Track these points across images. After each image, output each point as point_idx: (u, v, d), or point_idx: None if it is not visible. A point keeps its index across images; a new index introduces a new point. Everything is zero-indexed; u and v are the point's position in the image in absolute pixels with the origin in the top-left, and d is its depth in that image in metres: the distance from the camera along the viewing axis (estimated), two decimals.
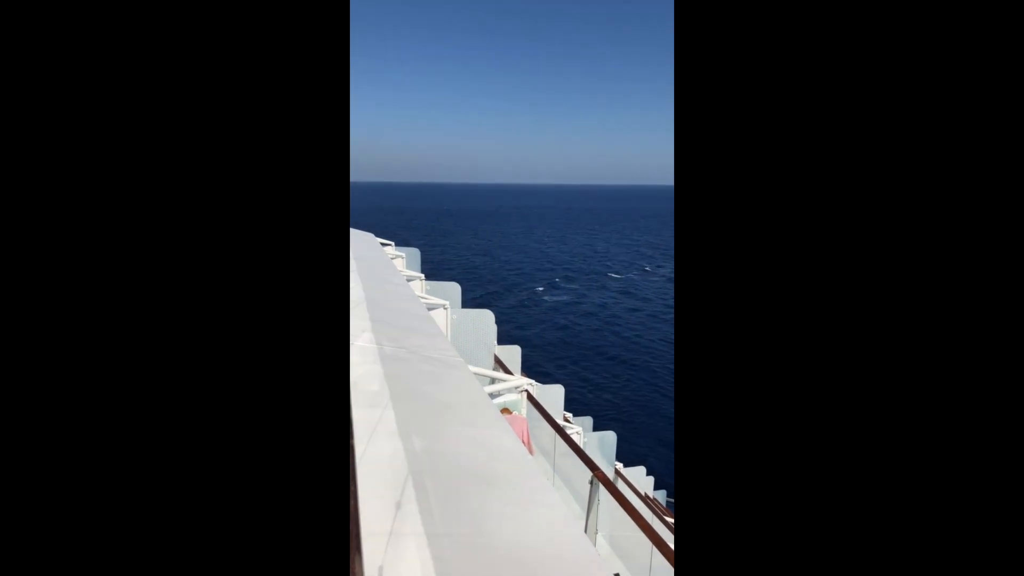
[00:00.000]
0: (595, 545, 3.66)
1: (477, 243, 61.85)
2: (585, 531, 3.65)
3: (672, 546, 3.08)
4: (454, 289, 7.03)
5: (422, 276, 7.38)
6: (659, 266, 47.83)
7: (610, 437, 6.35)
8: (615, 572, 3.66)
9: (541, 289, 37.38)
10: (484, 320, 6.22)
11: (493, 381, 4.91)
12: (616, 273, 44.50)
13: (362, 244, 6.42)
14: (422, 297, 5.77)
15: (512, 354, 7.09)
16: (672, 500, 10.61)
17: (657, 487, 9.58)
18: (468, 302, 7.94)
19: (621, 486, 6.38)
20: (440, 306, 5.88)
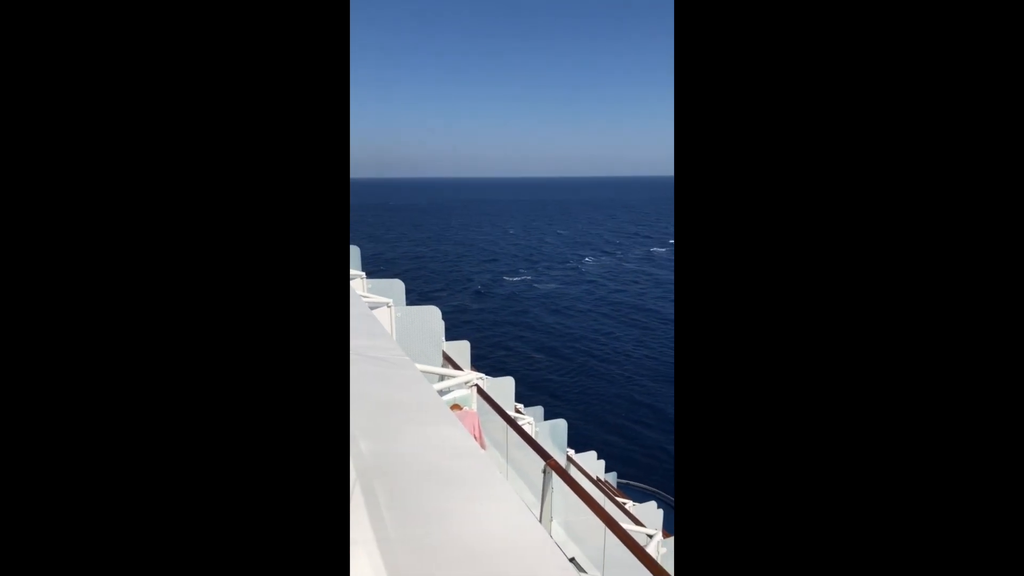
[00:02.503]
0: (551, 532, 3.72)
1: (423, 238, 60.96)
2: (540, 519, 3.70)
3: (623, 525, 3.17)
4: (398, 286, 6.87)
5: (363, 274, 7.16)
6: (606, 253, 49.20)
7: (561, 425, 6.46)
8: (571, 557, 3.74)
9: (486, 284, 37.43)
10: (430, 316, 6.12)
11: (442, 378, 4.86)
12: (567, 261, 45.39)
13: None
14: (363, 296, 5.60)
15: (461, 349, 7.03)
16: (622, 481, 10.98)
17: (608, 470, 9.87)
18: (415, 299, 7.79)
19: (573, 472, 6.51)
20: (383, 304, 5.73)
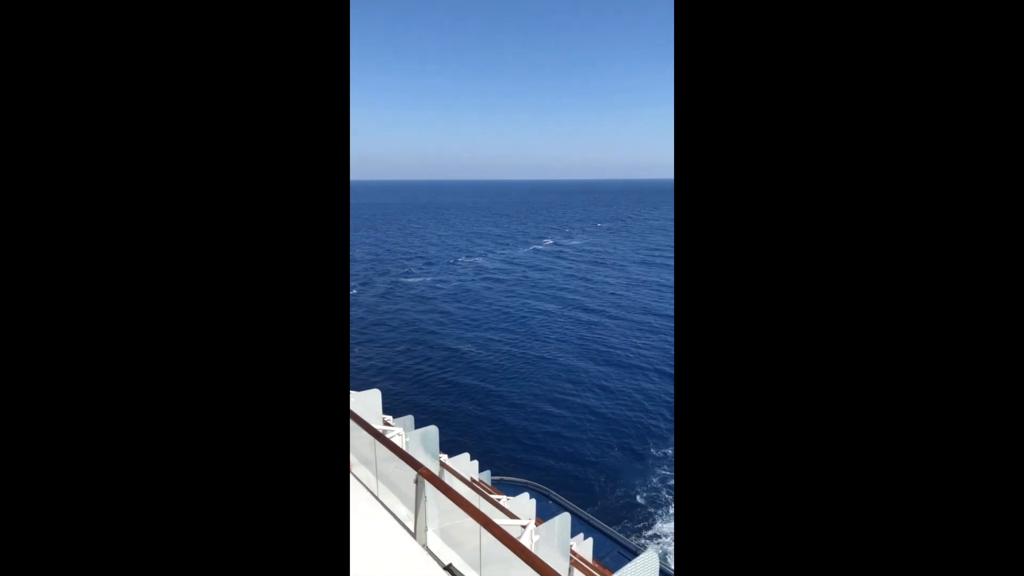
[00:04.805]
0: (427, 542, 3.66)
1: None
2: (415, 531, 3.62)
3: (497, 522, 3.25)
4: None
5: None
6: (479, 255, 49.90)
7: (432, 431, 6.39)
8: (447, 564, 3.72)
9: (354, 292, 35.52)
10: None
11: None
12: (444, 262, 45.02)
13: None
14: None
15: None
16: (496, 478, 11.23)
17: (482, 469, 10.02)
18: None
19: (447, 477, 6.49)
20: None
